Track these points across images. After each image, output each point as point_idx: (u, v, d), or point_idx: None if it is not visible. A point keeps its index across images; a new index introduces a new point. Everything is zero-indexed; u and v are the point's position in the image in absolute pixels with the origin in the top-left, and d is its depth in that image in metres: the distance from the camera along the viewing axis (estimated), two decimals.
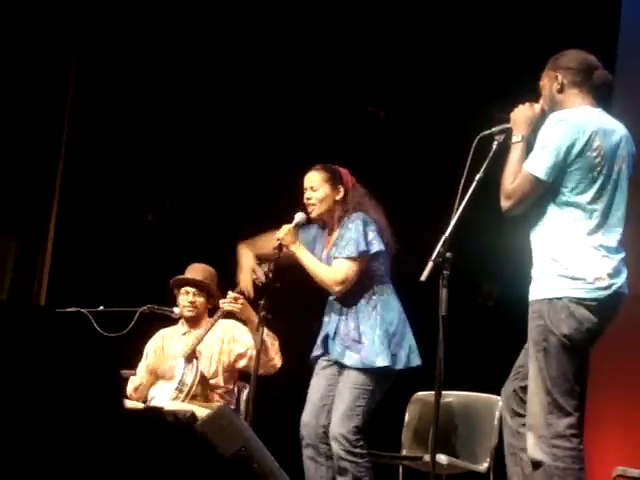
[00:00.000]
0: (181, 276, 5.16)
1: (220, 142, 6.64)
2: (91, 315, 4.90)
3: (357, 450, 4.29)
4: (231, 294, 4.81)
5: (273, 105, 6.62)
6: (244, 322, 4.98)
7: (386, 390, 4.42)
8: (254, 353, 4.76)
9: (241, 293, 4.75)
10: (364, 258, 4.41)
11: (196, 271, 5.18)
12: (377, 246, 4.42)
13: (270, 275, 4.51)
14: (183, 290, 5.14)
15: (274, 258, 4.48)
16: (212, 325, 5.02)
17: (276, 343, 4.94)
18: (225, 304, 4.84)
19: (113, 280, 6.28)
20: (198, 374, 4.96)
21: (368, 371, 4.34)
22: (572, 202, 3.55)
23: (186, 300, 5.12)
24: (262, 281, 4.56)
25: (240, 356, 5.03)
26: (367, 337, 4.36)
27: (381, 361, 4.32)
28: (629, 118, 3.85)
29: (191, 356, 5.00)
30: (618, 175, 3.61)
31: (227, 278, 5.62)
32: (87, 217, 6.46)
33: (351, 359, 4.37)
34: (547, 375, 3.50)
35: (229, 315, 5.01)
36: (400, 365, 4.38)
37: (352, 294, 4.43)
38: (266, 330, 4.83)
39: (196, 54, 6.65)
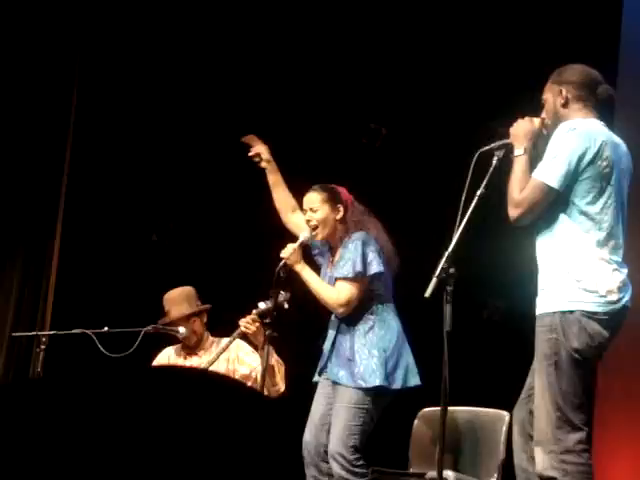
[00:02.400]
0: (173, 317, 5.13)
1: (223, 162, 6.64)
2: (95, 336, 4.90)
3: (357, 470, 4.27)
4: (250, 316, 4.82)
5: (275, 123, 6.62)
6: (255, 345, 4.98)
7: (383, 408, 4.40)
8: (258, 375, 4.80)
9: (260, 317, 4.74)
10: (363, 279, 4.40)
11: (180, 300, 5.17)
12: (376, 267, 4.40)
13: (286, 305, 4.57)
14: (176, 327, 5.15)
15: (277, 277, 4.48)
16: (228, 345, 5.02)
17: (282, 369, 4.97)
18: (242, 325, 4.86)
19: (117, 301, 6.28)
20: None
21: (363, 390, 4.32)
22: (583, 212, 3.53)
23: (185, 331, 5.13)
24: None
25: (245, 378, 5.04)
26: (361, 356, 4.35)
27: (375, 380, 4.30)
28: (629, 134, 3.85)
29: None
30: (622, 188, 3.61)
31: (230, 297, 5.63)
32: (91, 238, 6.46)
33: (345, 378, 4.36)
34: (557, 389, 3.47)
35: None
36: (396, 385, 4.36)
37: (351, 314, 4.43)
38: (275, 356, 4.85)
39: (198, 72, 6.67)
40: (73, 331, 5.04)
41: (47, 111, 6.47)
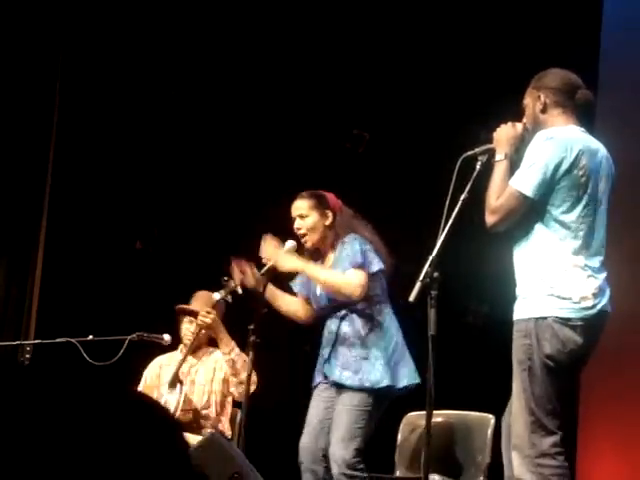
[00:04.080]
0: (185, 306, 5.19)
1: (206, 168, 6.65)
2: (80, 344, 4.90)
3: (357, 473, 4.25)
4: (205, 308, 4.89)
5: (258, 130, 6.64)
6: (215, 339, 5.04)
7: (384, 410, 4.39)
8: (230, 377, 4.91)
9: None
10: (366, 272, 4.37)
11: (202, 300, 5.19)
12: (377, 265, 4.39)
13: (239, 290, 4.57)
14: (187, 319, 5.18)
15: (259, 289, 4.47)
16: (189, 348, 5.05)
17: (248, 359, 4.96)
18: (199, 320, 4.92)
19: (102, 309, 6.27)
20: (181, 399, 4.95)
21: (367, 392, 4.30)
22: (559, 220, 3.56)
23: (188, 329, 5.16)
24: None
25: (223, 381, 5.06)
26: (364, 358, 4.32)
27: (383, 381, 4.28)
28: (610, 137, 3.88)
29: (174, 382, 5.00)
30: (601, 195, 3.63)
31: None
32: (75, 246, 6.45)
33: (350, 379, 4.32)
34: (531, 394, 3.50)
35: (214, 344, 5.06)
36: (402, 383, 4.33)
37: (350, 317, 4.42)
38: (237, 350, 4.87)
39: (181, 79, 6.68)
40: (58, 340, 5.03)
41: (30, 114, 6.45)
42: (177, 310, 5.22)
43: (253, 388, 4.88)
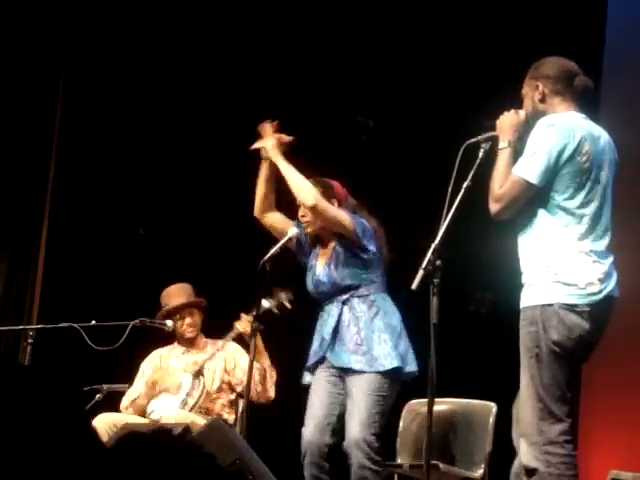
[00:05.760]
0: (173, 305, 5.18)
1: (209, 155, 6.65)
2: (83, 330, 4.91)
3: (378, 458, 4.22)
4: (246, 317, 4.85)
5: (262, 116, 6.63)
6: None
7: (396, 395, 4.34)
8: (257, 385, 4.96)
9: (262, 316, 4.70)
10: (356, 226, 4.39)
11: (179, 293, 5.20)
12: (374, 247, 4.41)
13: (288, 305, 4.56)
14: (179, 316, 5.16)
15: (261, 269, 4.44)
16: (224, 344, 5.09)
17: (274, 375, 5.03)
18: (240, 325, 4.90)
19: (105, 294, 6.28)
20: (204, 392, 5.00)
21: (381, 374, 4.25)
22: (562, 207, 3.55)
23: (185, 324, 5.16)
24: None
25: (239, 383, 5.08)
26: (372, 342, 4.28)
27: (393, 362, 4.24)
28: (615, 125, 3.86)
29: (199, 373, 5.03)
30: (605, 181, 3.62)
31: (219, 291, 5.63)
32: (78, 232, 6.46)
33: (359, 363, 4.27)
34: (539, 382, 3.50)
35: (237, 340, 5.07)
36: (410, 367, 4.30)
37: (352, 302, 4.39)
38: (268, 361, 4.92)
39: (183, 67, 6.67)
40: (60, 325, 5.04)
41: (34, 102, 6.47)
42: (178, 307, 5.18)
43: (273, 396, 4.99)
